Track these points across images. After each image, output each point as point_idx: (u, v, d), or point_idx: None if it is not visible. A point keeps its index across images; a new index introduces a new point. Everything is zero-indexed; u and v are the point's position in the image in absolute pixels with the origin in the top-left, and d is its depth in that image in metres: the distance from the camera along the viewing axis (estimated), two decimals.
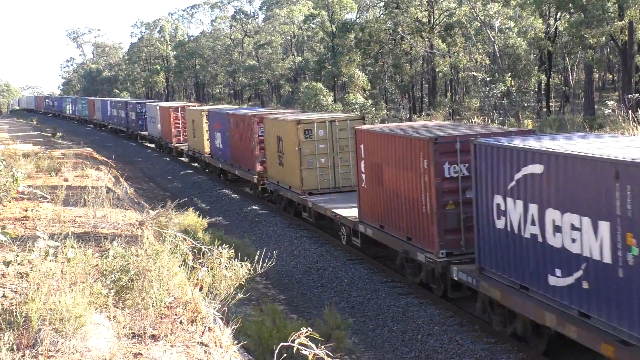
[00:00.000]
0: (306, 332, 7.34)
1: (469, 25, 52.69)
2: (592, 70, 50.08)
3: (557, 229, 12.09)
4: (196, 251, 12.44)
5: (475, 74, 52.29)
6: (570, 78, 61.49)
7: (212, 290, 10.78)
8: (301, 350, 7.53)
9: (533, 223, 12.74)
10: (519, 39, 50.95)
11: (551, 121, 42.22)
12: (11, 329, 8.48)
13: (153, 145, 60.13)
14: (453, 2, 56.79)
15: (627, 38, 42.84)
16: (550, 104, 55.54)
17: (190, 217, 21.57)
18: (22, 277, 10.71)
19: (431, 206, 16.27)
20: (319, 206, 24.15)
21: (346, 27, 62.90)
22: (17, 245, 11.82)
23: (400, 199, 18.04)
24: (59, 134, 64.66)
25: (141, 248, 11.63)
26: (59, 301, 8.50)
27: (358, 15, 74.18)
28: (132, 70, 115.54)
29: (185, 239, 13.17)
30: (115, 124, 75.00)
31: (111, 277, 10.34)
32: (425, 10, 58.26)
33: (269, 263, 11.61)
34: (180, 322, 9.61)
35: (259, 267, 11.33)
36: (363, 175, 20.39)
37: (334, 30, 64.03)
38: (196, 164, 46.27)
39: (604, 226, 11.02)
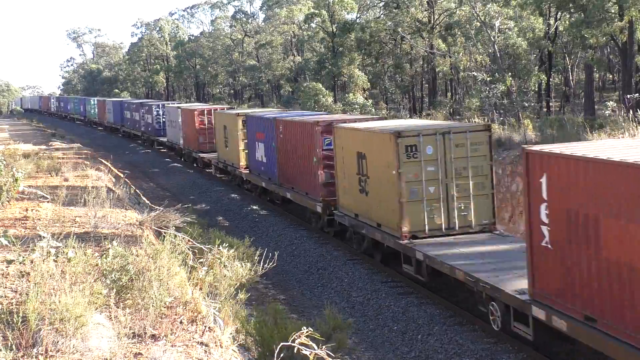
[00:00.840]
0: (307, 331, 7.34)
1: (469, 26, 52.65)
2: (592, 70, 50.04)
3: None
4: (196, 251, 12.46)
5: (475, 74, 52.26)
6: (571, 78, 61.46)
7: (212, 290, 10.79)
8: (302, 350, 7.54)
9: None
10: (519, 39, 50.90)
11: (551, 121, 42.20)
12: (11, 329, 8.48)
13: (173, 154, 52.04)
14: (453, 2, 56.76)
15: (627, 38, 42.81)
16: (551, 104, 55.49)
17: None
18: (22, 276, 10.72)
19: None
20: (442, 264, 16.60)
21: (347, 27, 62.87)
22: (18, 245, 11.82)
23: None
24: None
25: (141, 248, 11.63)
26: (59, 301, 8.50)
27: (358, 15, 74.17)
28: (132, 70, 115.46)
29: (185, 238, 13.17)
30: (129, 128, 67.73)
31: (111, 277, 10.35)
32: (425, 11, 58.24)
33: (270, 264, 11.61)
34: (181, 322, 9.61)
35: (260, 267, 11.34)
36: (545, 229, 12.69)
37: (335, 30, 64.01)
38: (217, 173, 40.05)
39: None
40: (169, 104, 56.61)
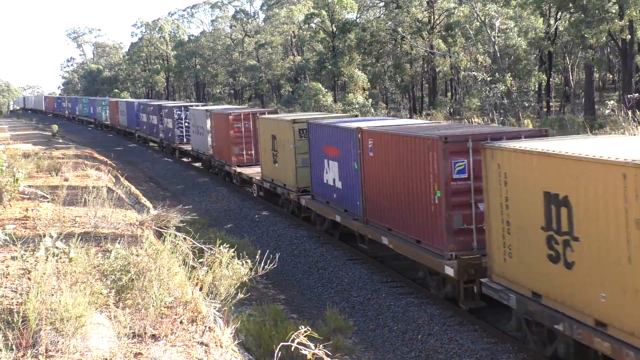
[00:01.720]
0: (305, 331, 7.35)
1: (469, 25, 52.68)
2: (592, 70, 50.08)
3: None
4: (196, 251, 12.46)
5: (475, 74, 52.31)
6: (571, 78, 61.50)
7: (212, 290, 10.80)
8: (300, 349, 7.55)
9: None
10: (519, 39, 50.96)
11: (552, 121, 42.22)
12: (11, 328, 8.49)
13: (197, 164, 45.37)
14: (453, 2, 56.80)
15: (627, 38, 42.83)
16: (551, 104, 55.55)
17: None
18: (23, 275, 10.73)
19: None
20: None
21: (347, 27, 62.93)
22: (19, 245, 11.84)
23: None
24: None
25: (141, 248, 11.65)
26: (60, 301, 8.51)
27: (358, 15, 74.21)
28: (132, 70, 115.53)
29: (185, 238, 13.18)
30: (144, 132, 59.93)
31: (112, 277, 10.36)
32: (425, 11, 58.28)
33: (271, 265, 11.61)
34: (181, 322, 9.62)
35: (260, 267, 11.35)
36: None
37: (334, 30, 64.06)
38: (260, 193, 31.90)
39: None
40: (193, 106, 48.84)
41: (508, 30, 51.58)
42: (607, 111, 44.74)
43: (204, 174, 42.04)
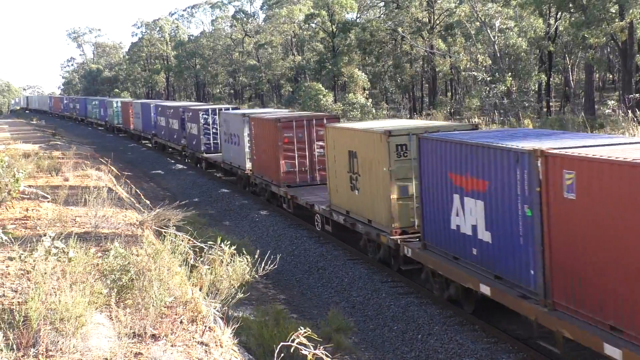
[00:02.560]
0: (304, 332, 7.36)
1: (469, 25, 52.68)
2: (592, 70, 50.08)
3: None
4: (197, 250, 12.47)
5: (475, 74, 52.31)
6: (571, 78, 61.50)
7: (212, 290, 10.80)
8: (301, 350, 7.55)
9: None
10: (519, 39, 50.96)
11: (552, 121, 42.22)
12: (12, 328, 8.50)
13: (224, 178, 39.37)
14: (453, 2, 56.81)
15: (627, 38, 42.82)
16: (551, 103, 55.55)
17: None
18: (23, 275, 10.74)
19: None
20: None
21: (347, 27, 62.93)
22: (19, 245, 11.84)
23: None
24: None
25: (141, 248, 11.65)
26: (60, 301, 8.52)
27: (359, 15, 74.21)
28: (132, 70, 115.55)
29: (185, 238, 13.18)
30: (163, 139, 52.97)
31: (112, 277, 10.36)
32: (425, 10, 58.29)
33: (272, 266, 11.62)
34: (181, 322, 9.63)
35: (261, 267, 11.36)
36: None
37: (334, 30, 64.05)
38: (326, 227, 24.22)
39: None
40: (225, 109, 41.43)
41: (508, 30, 51.58)
42: (607, 111, 44.73)
43: (239, 193, 34.43)
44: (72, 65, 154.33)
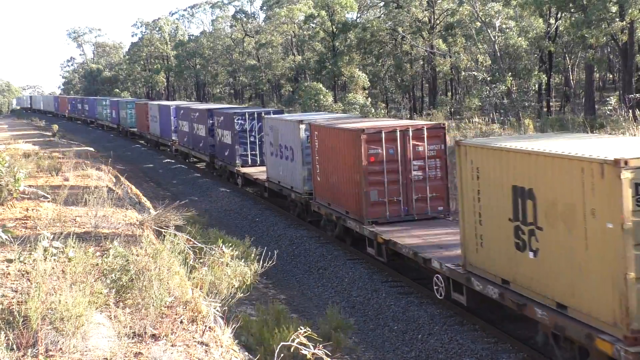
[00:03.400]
0: (304, 332, 7.36)
1: (469, 25, 52.68)
2: (592, 70, 50.06)
3: None
4: (197, 250, 12.47)
5: (475, 74, 52.31)
6: (571, 78, 61.49)
7: (212, 290, 10.81)
8: (301, 349, 7.55)
9: None
10: (519, 38, 50.96)
11: (552, 121, 42.22)
12: (11, 328, 8.50)
13: (264, 197, 32.08)
14: (453, 2, 56.80)
15: (627, 38, 42.82)
16: (551, 103, 55.53)
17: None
18: (23, 276, 10.74)
19: None
20: None
21: (347, 27, 62.93)
22: (18, 244, 11.85)
23: None
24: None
25: (141, 248, 11.65)
26: (60, 300, 8.52)
27: (359, 15, 74.22)
28: (132, 70, 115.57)
29: (185, 238, 13.18)
30: (185, 146, 45.99)
31: (111, 277, 10.37)
32: (425, 10, 58.29)
33: (270, 263, 11.64)
34: (181, 322, 9.62)
35: (260, 266, 11.37)
36: None
37: (334, 30, 64.06)
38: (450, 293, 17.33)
39: None
40: (269, 112, 34.90)
41: (508, 30, 51.58)
42: (607, 110, 44.73)
43: (294, 223, 27.64)
44: (72, 65, 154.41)
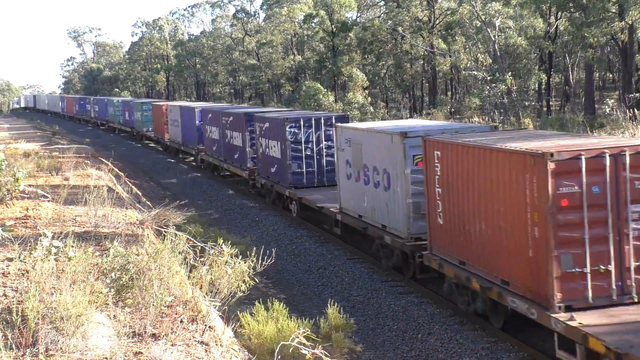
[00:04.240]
0: (303, 332, 7.37)
1: (469, 25, 52.67)
2: (592, 70, 50.08)
3: None
4: (197, 250, 12.48)
5: (475, 73, 52.31)
6: (571, 77, 61.50)
7: (212, 289, 10.81)
8: (300, 349, 7.56)
9: None
10: (519, 38, 50.95)
11: (552, 120, 42.22)
12: (11, 327, 8.50)
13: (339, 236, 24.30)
14: (453, 2, 56.81)
15: (627, 38, 42.82)
16: (551, 103, 55.54)
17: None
18: (23, 275, 10.74)
19: None
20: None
21: (346, 26, 62.94)
22: (19, 244, 11.85)
23: None
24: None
25: (142, 247, 11.65)
26: (59, 300, 8.52)
27: (358, 15, 74.22)
28: (132, 69, 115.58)
29: (185, 237, 13.17)
30: (214, 156, 38.83)
31: (111, 276, 10.37)
32: (425, 10, 58.28)
33: (269, 261, 11.66)
34: (181, 321, 9.63)
35: (259, 265, 11.38)
36: None
37: (334, 29, 64.07)
38: None
39: None
40: (330, 117, 27.67)
41: (508, 29, 51.57)
42: (607, 110, 44.74)
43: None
44: (72, 64, 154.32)
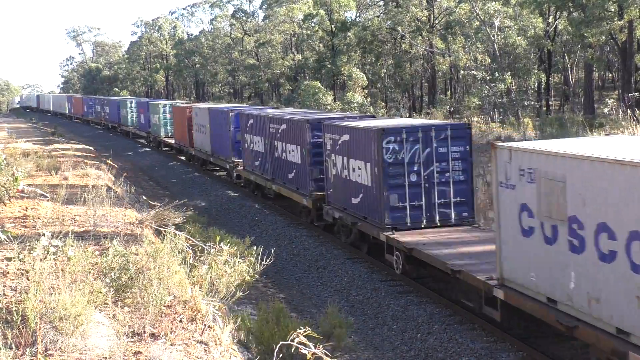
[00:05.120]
0: (304, 331, 7.35)
1: (468, 24, 52.68)
2: (591, 69, 50.07)
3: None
4: (197, 249, 12.48)
5: (475, 73, 52.31)
6: (570, 77, 61.50)
7: (211, 289, 10.81)
8: (300, 349, 7.55)
9: None
10: (518, 37, 50.96)
11: (551, 120, 42.24)
12: (10, 327, 8.49)
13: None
14: (453, 1, 56.81)
15: (626, 37, 42.82)
16: (550, 102, 55.55)
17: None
18: (22, 275, 10.73)
19: None
20: None
21: (346, 26, 62.94)
22: (18, 243, 11.83)
23: None
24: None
25: (141, 247, 11.65)
26: (59, 300, 8.51)
27: (358, 14, 74.23)
28: (131, 69, 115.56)
29: (185, 237, 13.17)
30: (258, 173, 30.85)
31: (111, 276, 10.36)
32: (425, 9, 58.28)
33: (268, 260, 11.65)
34: (180, 321, 9.62)
35: (258, 264, 11.38)
36: None
37: (333, 29, 64.07)
38: None
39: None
40: (452, 127, 20.30)
41: (507, 28, 51.58)
42: (606, 110, 44.74)
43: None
44: (71, 64, 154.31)
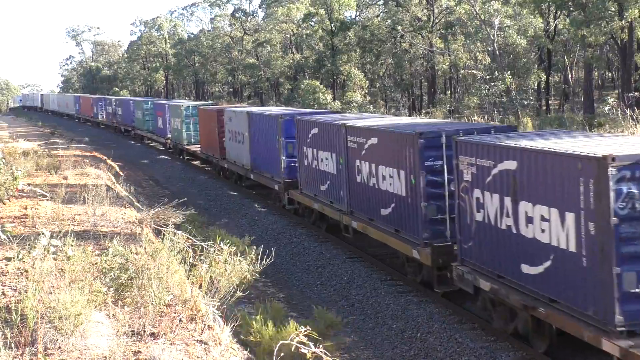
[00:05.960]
0: (304, 331, 7.35)
1: (468, 24, 52.66)
2: (591, 69, 50.05)
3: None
4: (196, 248, 12.47)
5: (474, 72, 52.29)
6: (570, 76, 61.49)
7: (211, 288, 10.80)
8: (300, 348, 7.55)
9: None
10: (518, 37, 50.95)
11: (551, 119, 42.20)
12: (10, 327, 8.49)
13: None
14: (453, 1, 56.79)
15: (626, 37, 42.82)
16: (550, 102, 55.54)
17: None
18: (21, 274, 10.72)
19: None
20: None
21: (345, 25, 62.93)
22: (17, 243, 11.83)
23: None
24: None
25: (140, 246, 11.65)
26: (58, 299, 8.50)
27: (357, 14, 74.20)
28: (131, 68, 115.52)
29: (185, 236, 13.16)
30: (322, 200, 23.71)
31: (110, 275, 10.36)
32: (425, 9, 58.28)
33: (268, 260, 11.64)
34: (180, 320, 9.62)
35: (258, 264, 11.37)
36: None
37: (333, 28, 64.05)
38: None
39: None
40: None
41: (507, 28, 51.57)
42: (606, 108, 44.74)
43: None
44: (70, 63, 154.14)
